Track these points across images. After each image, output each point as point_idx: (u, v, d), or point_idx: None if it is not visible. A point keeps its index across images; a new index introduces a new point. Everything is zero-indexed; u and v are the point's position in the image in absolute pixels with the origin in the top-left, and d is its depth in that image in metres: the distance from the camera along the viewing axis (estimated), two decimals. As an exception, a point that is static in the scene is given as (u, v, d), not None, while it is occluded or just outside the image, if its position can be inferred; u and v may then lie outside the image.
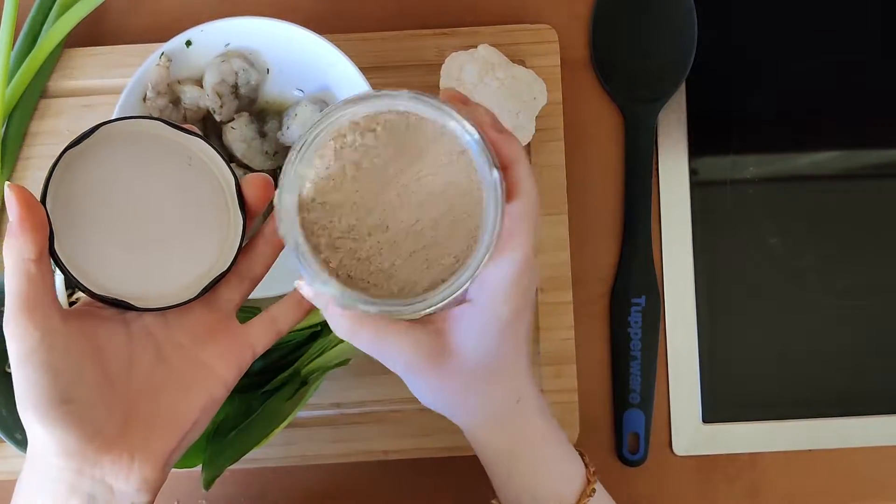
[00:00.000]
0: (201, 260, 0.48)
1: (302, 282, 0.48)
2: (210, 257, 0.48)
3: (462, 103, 0.49)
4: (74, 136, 0.45)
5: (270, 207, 0.49)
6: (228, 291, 0.50)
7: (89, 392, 0.45)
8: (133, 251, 0.47)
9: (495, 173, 0.45)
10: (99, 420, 0.45)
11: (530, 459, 0.53)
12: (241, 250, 0.49)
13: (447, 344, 0.49)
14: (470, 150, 0.45)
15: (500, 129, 0.48)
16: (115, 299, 0.46)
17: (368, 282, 0.46)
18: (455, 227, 0.46)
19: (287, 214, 0.45)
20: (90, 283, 0.46)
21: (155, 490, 0.47)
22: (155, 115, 0.47)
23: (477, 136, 0.45)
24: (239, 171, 0.65)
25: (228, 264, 0.48)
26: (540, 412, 0.53)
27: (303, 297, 0.50)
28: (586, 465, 0.54)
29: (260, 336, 0.50)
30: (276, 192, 0.45)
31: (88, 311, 0.47)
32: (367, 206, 0.46)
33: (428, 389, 0.51)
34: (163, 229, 0.47)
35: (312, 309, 0.51)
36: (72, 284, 0.46)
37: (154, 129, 0.47)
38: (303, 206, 0.45)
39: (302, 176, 0.45)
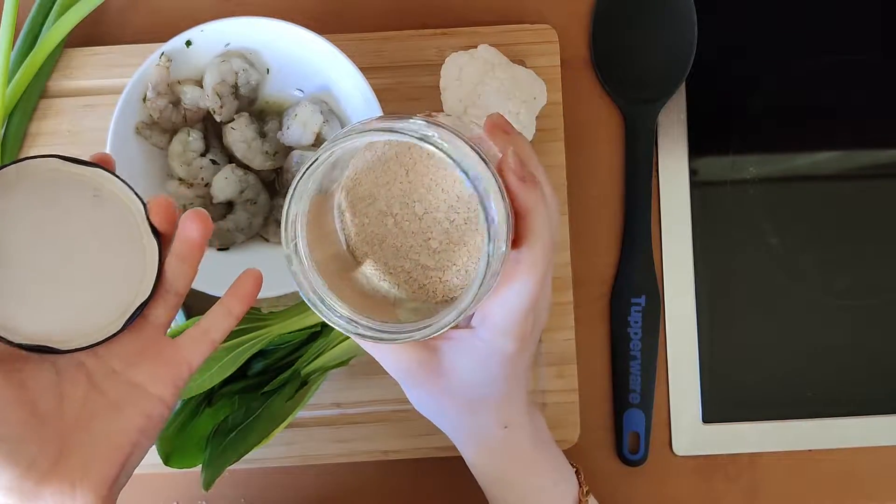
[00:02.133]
0: (121, 291, 0.48)
1: None
2: (129, 287, 0.48)
3: (504, 133, 0.50)
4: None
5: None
6: (155, 310, 0.49)
7: (17, 430, 0.45)
8: (49, 292, 0.47)
9: (491, 224, 0.44)
10: (31, 455, 0.45)
11: (516, 485, 0.54)
12: (160, 274, 0.49)
13: (440, 364, 0.51)
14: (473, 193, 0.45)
15: (522, 177, 0.47)
16: (36, 346, 0.46)
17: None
18: (453, 252, 0.48)
19: (293, 234, 0.46)
20: (7, 332, 0.46)
21: None
22: (50, 153, 0.47)
23: (477, 186, 0.44)
24: (239, 172, 0.65)
25: (149, 293, 0.48)
26: (530, 438, 0.54)
27: (234, 306, 0.50)
28: (580, 485, 0.55)
29: (193, 350, 0.49)
30: (283, 215, 0.46)
31: (10, 353, 0.47)
32: (375, 226, 0.48)
33: (420, 399, 0.54)
34: (77, 266, 0.47)
35: (243, 316, 0.51)
36: None
37: (53, 166, 0.47)
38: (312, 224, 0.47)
39: (307, 195, 0.46)
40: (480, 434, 0.53)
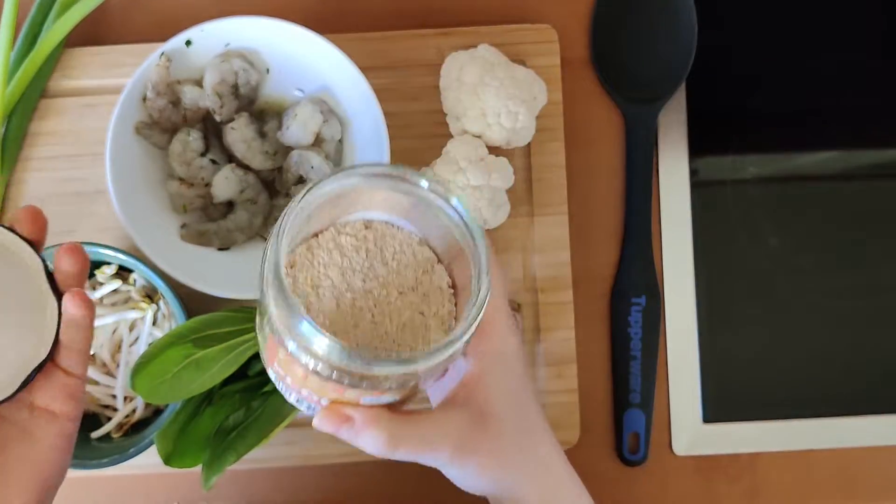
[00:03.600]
0: (18, 352, 0.47)
1: (321, 420, 0.48)
2: (27, 348, 0.47)
3: None
4: None
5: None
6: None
7: None
8: None
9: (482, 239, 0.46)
10: None
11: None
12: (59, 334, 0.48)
13: (480, 407, 0.49)
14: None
15: None
16: None
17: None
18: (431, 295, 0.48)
19: (276, 276, 0.43)
20: None
21: None
22: None
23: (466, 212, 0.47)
24: (239, 172, 0.65)
25: (46, 354, 0.47)
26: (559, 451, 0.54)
27: (72, 311, 0.48)
28: None
29: (72, 362, 0.49)
30: (266, 257, 0.45)
31: None
32: (353, 278, 0.48)
33: (477, 467, 0.50)
34: None
35: (89, 313, 0.49)
36: None
37: None
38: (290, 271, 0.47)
39: (287, 246, 0.45)
40: (537, 453, 0.52)
